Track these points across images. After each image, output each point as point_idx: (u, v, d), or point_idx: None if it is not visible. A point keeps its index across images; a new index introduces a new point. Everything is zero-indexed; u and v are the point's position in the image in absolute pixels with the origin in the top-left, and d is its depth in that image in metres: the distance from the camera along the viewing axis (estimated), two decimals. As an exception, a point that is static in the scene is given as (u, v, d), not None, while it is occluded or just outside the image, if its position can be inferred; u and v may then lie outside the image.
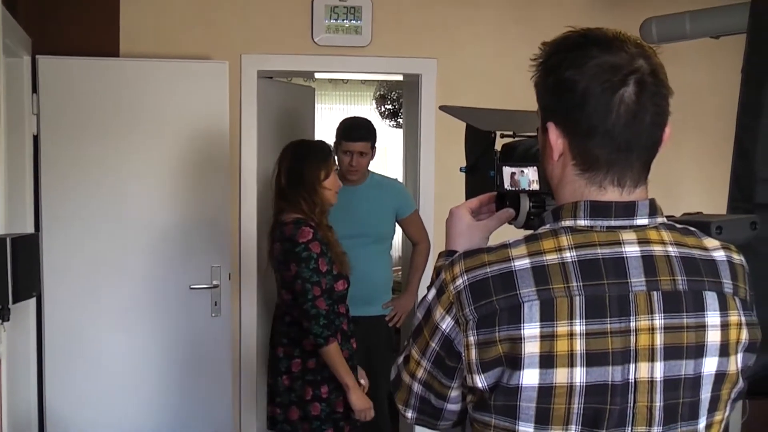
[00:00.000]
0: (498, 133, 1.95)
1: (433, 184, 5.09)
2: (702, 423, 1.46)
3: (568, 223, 1.46)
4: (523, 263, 1.41)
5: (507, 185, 1.80)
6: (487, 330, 1.39)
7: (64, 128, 4.56)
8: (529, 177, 1.80)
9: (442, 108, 2.08)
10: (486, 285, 1.41)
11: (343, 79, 9.53)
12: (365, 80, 9.43)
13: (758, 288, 1.55)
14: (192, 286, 4.72)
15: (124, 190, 4.65)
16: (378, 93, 9.11)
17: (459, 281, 1.44)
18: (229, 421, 4.89)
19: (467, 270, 1.44)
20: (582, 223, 1.45)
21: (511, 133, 1.97)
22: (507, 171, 1.80)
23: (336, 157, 4.42)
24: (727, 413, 1.51)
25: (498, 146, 1.94)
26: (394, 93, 8.87)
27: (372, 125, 4.72)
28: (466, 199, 1.98)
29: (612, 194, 1.45)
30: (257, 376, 5.05)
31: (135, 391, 4.71)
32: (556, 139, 1.47)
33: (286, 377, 3.76)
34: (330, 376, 3.71)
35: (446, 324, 1.46)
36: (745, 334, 1.47)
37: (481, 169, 1.95)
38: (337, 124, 4.74)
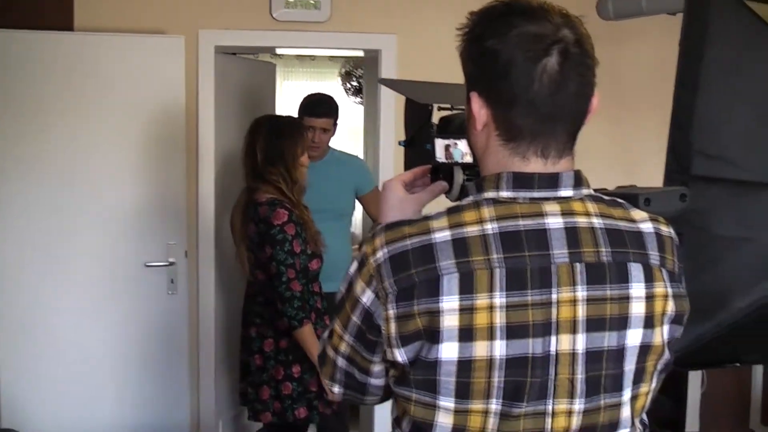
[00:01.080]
0: (435, 106, 1.92)
1: (392, 160, 5.05)
2: (626, 395, 1.45)
3: (490, 194, 1.43)
4: (443, 235, 1.39)
5: (441, 158, 1.77)
6: (406, 303, 1.37)
7: (15, 104, 4.49)
8: (462, 149, 1.77)
9: (382, 81, 2.06)
10: (405, 258, 1.38)
11: (309, 56, 9.46)
12: (332, 57, 9.36)
13: (692, 260, 1.54)
14: (147, 264, 4.66)
15: (77, 166, 4.58)
16: (343, 70, 9.04)
17: (379, 254, 1.41)
18: (186, 400, 4.86)
19: (387, 242, 1.41)
20: (504, 194, 1.42)
21: (448, 106, 1.94)
22: (441, 143, 1.77)
23: None
24: (653, 385, 1.50)
25: (436, 119, 1.91)
26: (359, 70, 8.81)
27: (335, 101, 4.68)
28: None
29: (535, 165, 1.43)
30: (215, 355, 5.02)
31: (90, 372, 4.66)
32: (479, 109, 1.45)
33: (259, 357, 3.78)
34: (303, 356, 3.72)
35: (366, 297, 1.43)
36: (671, 306, 1.46)
37: (419, 142, 1.93)
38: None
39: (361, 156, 5.79)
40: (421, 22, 5.06)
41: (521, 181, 1.42)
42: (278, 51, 5.80)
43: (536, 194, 1.42)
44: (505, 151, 1.44)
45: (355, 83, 8.88)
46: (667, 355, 1.49)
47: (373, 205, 4.80)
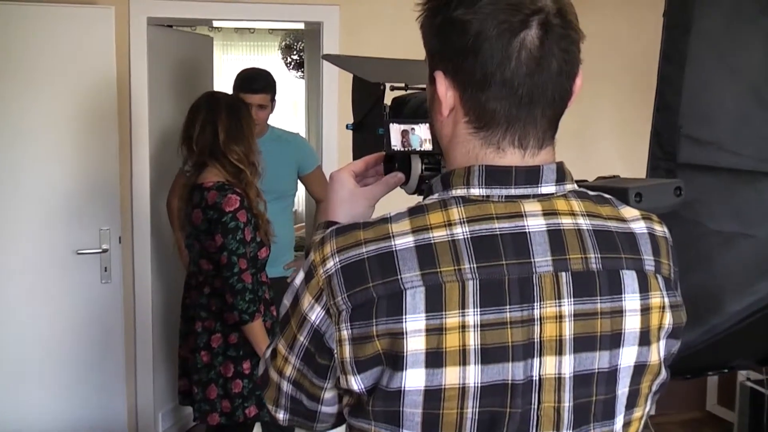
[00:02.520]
0: (388, 85, 1.71)
1: (336, 138, 4.86)
2: (619, 422, 1.26)
3: (459, 192, 1.22)
4: (405, 241, 1.17)
5: (396, 145, 1.56)
6: (362, 323, 1.16)
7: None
8: (420, 135, 1.56)
9: (326, 57, 1.83)
10: (361, 268, 1.17)
11: (249, 29, 9.23)
12: (272, 29, 9.15)
13: (680, 258, 1.35)
14: (79, 251, 4.40)
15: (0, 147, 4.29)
16: (284, 43, 8.82)
17: (330, 263, 1.20)
18: (122, 392, 4.64)
19: (339, 250, 1.20)
20: (476, 192, 1.21)
21: (402, 85, 1.73)
22: (396, 129, 1.56)
23: None
24: (647, 409, 1.31)
25: (388, 100, 1.70)
26: (300, 43, 8.59)
27: (272, 77, 4.45)
28: (354, 160, 1.75)
29: (512, 157, 1.22)
30: (153, 345, 4.82)
31: (20, 365, 4.40)
32: (445, 91, 1.23)
33: (205, 353, 3.53)
34: (252, 351, 3.50)
35: (316, 315, 1.21)
36: (668, 318, 1.27)
37: (369, 126, 1.72)
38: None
39: (303, 135, 5.58)
40: (365, -8, 4.85)
41: (496, 175, 1.21)
42: (215, 24, 5.56)
43: (514, 191, 1.22)
44: (475, 140, 1.23)
45: (296, 57, 8.67)
46: (663, 374, 1.30)
47: (317, 185, 4.62)
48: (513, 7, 1.16)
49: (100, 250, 4.44)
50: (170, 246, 4.69)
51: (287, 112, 8.40)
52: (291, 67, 8.83)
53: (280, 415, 1.37)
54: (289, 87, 9.02)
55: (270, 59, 9.33)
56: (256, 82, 4.31)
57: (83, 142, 4.39)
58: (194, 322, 3.58)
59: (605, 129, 5.21)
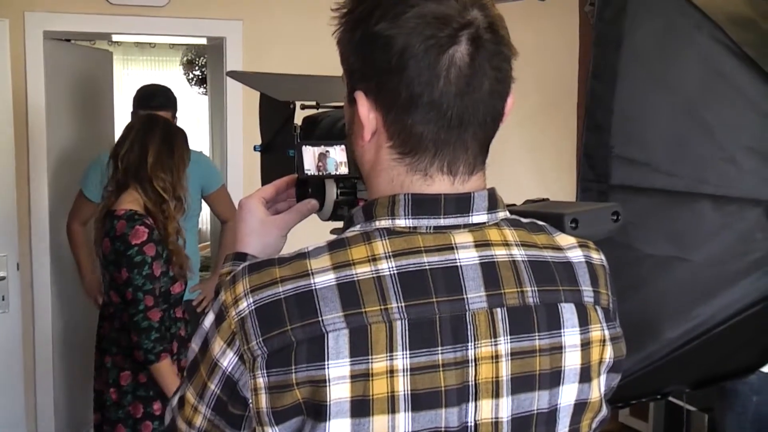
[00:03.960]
0: (298, 103, 1.62)
1: (241, 156, 4.78)
2: None
3: (384, 223, 1.13)
4: (325, 279, 1.08)
5: (310, 169, 1.46)
6: (280, 370, 1.06)
7: None
8: (336, 158, 1.46)
9: (231, 74, 1.74)
10: (278, 309, 1.07)
11: (150, 43, 9.07)
12: (173, 44, 9.00)
13: (615, 283, 1.29)
14: (-27, 279, 4.20)
15: None
16: (185, 58, 8.66)
17: (243, 304, 1.09)
18: (22, 422, 4.46)
19: (253, 289, 1.09)
20: (402, 223, 1.12)
21: (314, 103, 1.64)
22: (309, 151, 1.46)
23: None
24: None
25: (299, 120, 1.61)
26: (203, 58, 8.45)
27: (171, 93, 4.34)
28: (262, 183, 1.64)
29: (441, 185, 1.14)
30: (53, 377, 4.65)
31: None
32: (366, 113, 1.13)
33: (114, 391, 3.31)
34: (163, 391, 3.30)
35: (228, 361, 1.11)
36: (609, 352, 1.20)
37: (279, 147, 1.64)
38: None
39: (206, 153, 5.46)
40: (269, 7, 4.80)
41: (423, 205, 1.13)
42: (115, 38, 5.41)
43: (443, 221, 1.13)
44: (400, 167, 1.14)
45: (198, 72, 8.51)
46: (603, 410, 1.23)
47: (221, 204, 4.52)
48: (440, 21, 1.07)
49: (-4, 278, 4.24)
50: (70, 270, 4.52)
51: (190, 130, 8.23)
52: (193, 83, 8.67)
53: None
54: (192, 103, 8.87)
55: (171, 74, 9.18)
56: (155, 99, 4.20)
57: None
58: (105, 355, 3.40)
59: (515, 150, 5.22)
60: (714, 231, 1.70)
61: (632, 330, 1.28)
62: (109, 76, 5.58)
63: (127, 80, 8.99)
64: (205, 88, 8.53)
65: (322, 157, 1.45)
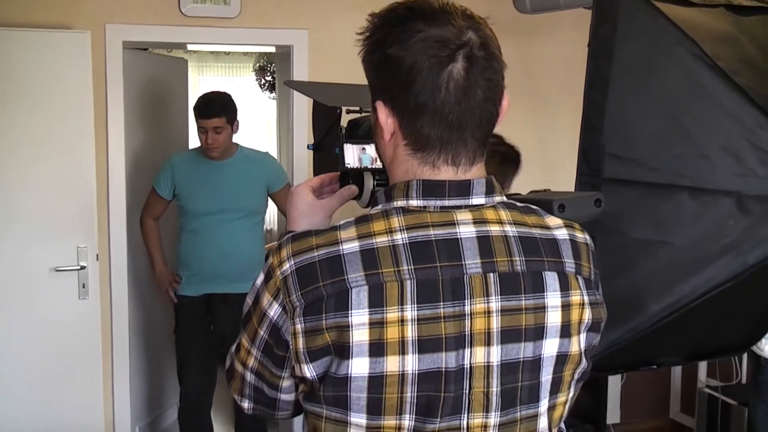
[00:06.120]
0: (344, 108, 1.87)
1: (306, 157, 4.97)
2: (543, 405, 1.42)
3: (400, 203, 1.39)
4: (351, 246, 1.34)
5: (351, 163, 1.72)
6: (313, 317, 1.32)
7: None
8: (371, 154, 1.73)
9: (287, 83, 2.00)
10: (313, 270, 1.33)
11: (224, 51, 9.35)
12: (247, 52, 9.26)
13: (606, 264, 1.51)
14: (57, 268, 4.51)
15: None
16: (258, 65, 8.95)
17: (286, 266, 1.36)
18: (100, 407, 4.73)
19: (294, 254, 1.36)
20: (414, 203, 1.38)
21: (357, 108, 1.89)
22: (350, 148, 1.73)
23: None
24: (571, 394, 1.48)
25: (344, 122, 1.86)
26: (273, 64, 8.71)
27: (228, 100, 4.60)
28: (314, 176, 1.91)
29: (446, 173, 1.39)
30: (130, 360, 4.92)
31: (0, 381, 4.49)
32: (385, 118, 1.40)
33: None
34: None
35: (274, 311, 1.38)
36: (588, 314, 1.43)
37: (327, 146, 1.88)
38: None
39: (274, 154, 5.72)
40: (332, 17, 5.00)
41: (431, 188, 1.38)
42: (189, 47, 5.67)
43: (447, 202, 1.38)
44: (413, 160, 1.40)
45: (269, 78, 8.79)
46: (584, 363, 1.46)
47: (286, 202, 4.71)
48: (440, 43, 1.32)
49: (78, 267, 4.54)
50: (145, 261, 4.81)
51: (261, 132, 8.51)
52: (264, 88, 8.94)
53: (245, 404, 1.54)
54: (263, 107, 9.14)
55: (244, 80, 9.43)
56: (210, 107, 4.48)
57: (61, 162, 4.51)
58: None
59: (566, 148, 5.36)
60: (692, 218, 1.88)
61: (621, 304, 1.49)
62: (184, 82, 5.85)
63: (203, 86, 9.25)
64: (275, 93, 8.82)
65: (361, 153, 1.72)
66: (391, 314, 1.30)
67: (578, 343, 1.43)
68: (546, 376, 1.41)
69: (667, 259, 1.90)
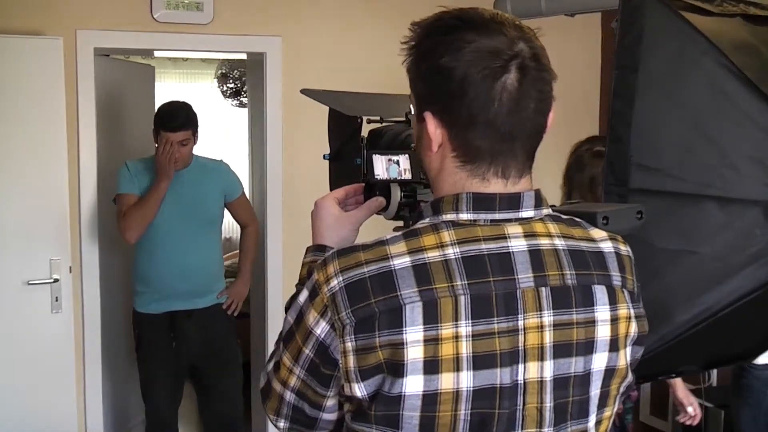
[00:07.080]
0: (365, 118, 1.84)
1: (281, 167, 4.95)
2: (592, 420, 1.41)
3: (449, 216, 1.36)
4: (403, 261, 1.30)
5: (380, 174, 1.69)
6: (365, 335, 1.29)
7: None
8: (400, 166, 1.70)
9: (304, 92, 1.95)
10: (363, 286, 1.30)
11: (182, 57, 9.27)
12: (206, 58, 9.19)
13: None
14: (30, 282, 4.42)
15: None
16: (219, 71, 8.89)
17: (334, 282, 1.32)
18: (74, 420, 4.65)
19: (342, 270, 1.32)
20: (464, 216, 1.35)
21: (378, 118, 1.86)
22: (378, 159, 1.70)
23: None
24: (615, 408, 1.47)
25: (365, 132, 1.83)
26: (236, 71, 8.67)
27: (191, 111, 4.41)
28: (331, 187, 1.88)
29: (496, 186, 1.37)
30: (102, 374, 4.84)
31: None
32: (434, 129, 1.36)
33: None
34: None
35: (321, 329, 1.34)
36: (634, 327, 1.43)
37: (347, 156, 1.84)
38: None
39: (244, 164, 5.63)
40: (306, 24, 4.98)
41: (482, 202, 1.36)
42: (159, 54, 5.61)
43: (498, 216, 1.36)
44: (462, 172, 1.37)
45: (231, 85, 8.73)
46: (629, 377, 1.46)
47: (242, 210, 4.70)
48: (493, 54, 1.30)
49: (51, 280, 4.45)
50: (118, 272, 4.72)
51: (222, 140, 8.43)
52: (227, 95, 8.89)
53: (281, 424, 1.49)
54: (225, 115, 9.08)
55: (204, 87, 9.37)
56: (176, 120, 4.28)
57: (33, 172, 4.42)
58: None
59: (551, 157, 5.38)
60: (718, 228, 1.88)
61: (648, 314, 1.48)
62: (151, 89, 5.80)
63: (160, 93, 9.15)
64: (238, 100, 8.75)
65: (389, 164, 1.69)
66: (446, 330, 1.28)
67: (625, 357, 1.42)
68: (595, 391, 1.39)
69: (693, 269, 1.90)
